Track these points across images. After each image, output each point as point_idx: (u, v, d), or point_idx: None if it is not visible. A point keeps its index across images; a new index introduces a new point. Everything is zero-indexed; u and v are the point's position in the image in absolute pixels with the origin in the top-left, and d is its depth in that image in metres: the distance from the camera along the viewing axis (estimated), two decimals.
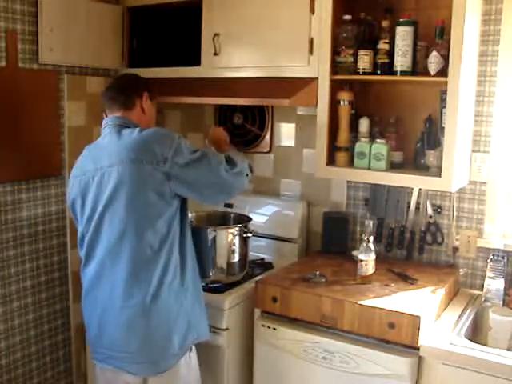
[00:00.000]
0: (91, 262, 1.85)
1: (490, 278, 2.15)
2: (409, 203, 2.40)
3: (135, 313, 1.76)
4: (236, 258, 2.25)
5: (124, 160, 1.73)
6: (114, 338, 1.80)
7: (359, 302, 1.92)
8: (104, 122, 1.90)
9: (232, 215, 2.48)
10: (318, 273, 2.16)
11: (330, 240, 2.50)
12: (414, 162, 2.24)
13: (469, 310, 2.09)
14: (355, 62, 2.14)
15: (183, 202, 1.86)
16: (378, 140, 2.16)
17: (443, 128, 2.04)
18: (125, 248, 1.75)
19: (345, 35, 2.14)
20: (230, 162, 1.87)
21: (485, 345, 1.87)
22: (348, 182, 2.54)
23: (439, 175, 2.01)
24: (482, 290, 2.20)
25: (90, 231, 1.83)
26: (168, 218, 1.78)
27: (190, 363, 1.89)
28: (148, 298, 1.75)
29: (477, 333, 2.05)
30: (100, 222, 1.79)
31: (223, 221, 2.46)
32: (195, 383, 1.95)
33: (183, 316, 1.83)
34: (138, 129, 1.81)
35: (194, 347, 1.92)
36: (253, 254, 2.49)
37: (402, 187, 2.36)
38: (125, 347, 1.79)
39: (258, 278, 2.30)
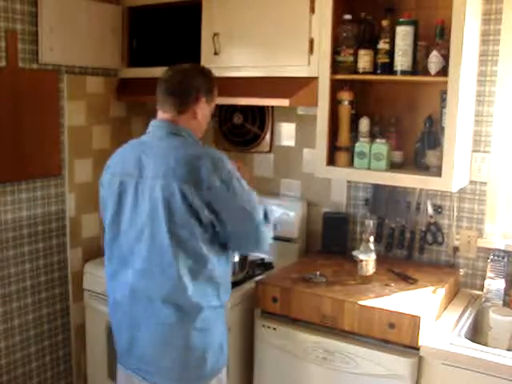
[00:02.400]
0: (125, 272, 1.76)
1: (491, 278, 2.15)
2: (409, 203, 2.40)
3: (171, 333, 1.70)
4: (236, 257, 2.24)
5: (170, 176, 1.63)
6: (147, 354, 1.75)
7: (359, 302, 1.92)
8: (156, 124, 1.77)
9: None
10: (318, 273, 2.16)
11: (330, 240, 2.50)
12: (414, 162, 2.24)
13: (469, 310, 2.09)
14: (355, 61, 2.14)
15: None
16: (378, 140, 2.16)
17: (443, 128, 2.04)
18: (163, 267, 1.67)
19: (345, 35, 2.14)
20: (265, 215, 1.77)
21: (485, 345, 1.87)
22: (348, 181, 2.54)
23: (439, 175, 2.01)
24: (482, 290, 2.20)
25: (128, 239, 1.74)
26: (207, 241, 1.69)
27: (221, 378, 1.84)
28: (186, 319, 1.69)
29: (477, 333, 2.05)
30: (140, 234, 1.70)
31: None
32: None
33: (217, 338, 1.79)
34: (190, 141, 1.71)
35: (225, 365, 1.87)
36: (253, 254, 2.49)
37: (402, 187, 2.36)
38: (157, 362, 1.74)
39: (258, 278, 2.30)
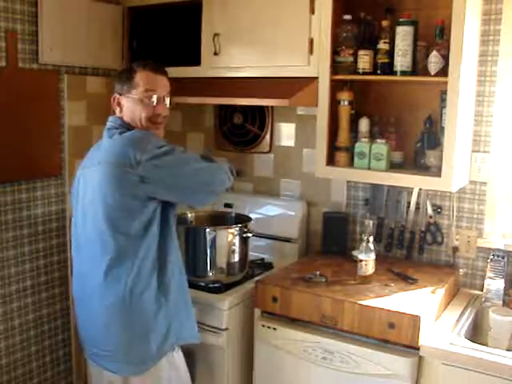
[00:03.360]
0: (77, 260, 1.91)
1: (490, 278, 2.15)
2: (409, 203, 2.40)
3: (111, 313, 1.79)
4: (236, 258, 2.25)
5: (102, 162, 1.76)
6: (94, 336, 1.85)
7: (359, 302, 1.92)
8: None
9: (232, 215, 2.48)
10: (318, 273, 2.16)
11: (329, 240, 2.50)
12: (414, 162, 2.24)
13: (469, 310, 2.09)
14: (355, 61, 2.14)
15: (165, 205, 1.83)
16: (378, 140, 2.16)
17: (443, 128, 2.04)
18: (102, 248, 1.77)
19: (345, 35, 2.15)
20: (207, 158, 1.87)
21: (485, 345, 1.87)
22: (348, 181, 2.54)
23: (439, 175, 2.01)
24: (482, 290, 2.20)
25: (78, 229, 1.88)
26: (144, 221, 1.76)
27: (173, 362, 1.88)
28: (123, 299, 1.77)
29: (477, 333, 2.05)
30: (84, 220, 1.83)
31: (223, 221, 2.46)
32: (180, 383, 1.94)
33: (162, 319, 1.83)
34: (118, 131, 1.82)
35: (177, 347, 1.91)
36: (253, 254, 2.49)
37: (402, 187, 2.36)
38: (104, 346, 1.83)
39: (257, 278, 2.30)
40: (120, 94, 1.87)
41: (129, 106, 1.85)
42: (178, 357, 1.92)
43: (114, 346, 1.81)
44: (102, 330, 1.81)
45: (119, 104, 1.87)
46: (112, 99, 1.89)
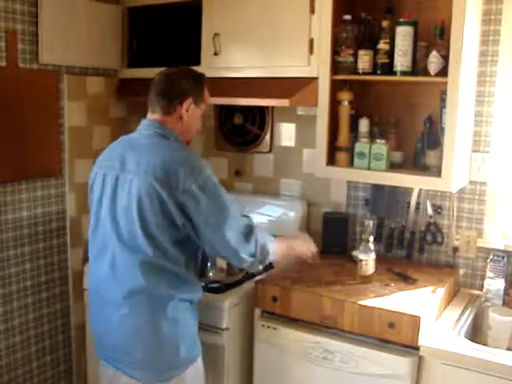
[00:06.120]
0: (102, 261, 1.81)
1: (490, 278, 2.15)
2: (409, 203, 2.40)
3: (142, 321, 1.73)
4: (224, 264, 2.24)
5: (148, 174, 1.68)
6: (118, 343, 1.78)
7: (359, 302, 1.93)
8: (145, 123, 1.82)
9: None
10: (318, 273, 2.16)
11: (330, 240, 2.50)
12: (413, 162, 2.24)
13: (469, 310, 2.09)
14: (355, 62, 2.14)
15: None
16: (377, 140, 2.17)
17: (443, 128, 2.04)
18: (137, 256, 1.72)
19: (345, 35, 2.15)
20: (250, 233, 1.78)
21: (485, 345, 1.87)
22: (348, 181, 2.54)
23: (439, 175, 2.01)
24: (481, 290, 2.20)
25: (105, 229, 1.79)
26: (178, 242, 1.74)
27: (197, 368, 1.87)
28: (157, 308, 1.73)
29: (477, 333, 2.06)
30: (116, 225, 1.75)
31: None
32: None
33: (189, 329, 1.82)
34: (174, 146, 1.76)
35: (200, 353, 1.89)
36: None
37: (402, 187, 2.36)
38: (129, 353, 1.77)
39: (258, 277, 2.30)
40: (198, 103, 1.82)
41: (194, 117, 1.83)
42: (201, 363, 1.89)
43: (142, 354, 1.75)
44: (130, 339, 1.75)
45: (187, 110, 1.80)
46: (186, 104, 1.79)
